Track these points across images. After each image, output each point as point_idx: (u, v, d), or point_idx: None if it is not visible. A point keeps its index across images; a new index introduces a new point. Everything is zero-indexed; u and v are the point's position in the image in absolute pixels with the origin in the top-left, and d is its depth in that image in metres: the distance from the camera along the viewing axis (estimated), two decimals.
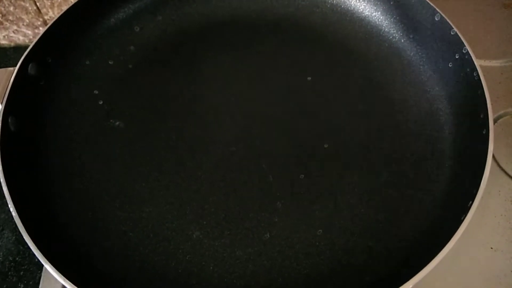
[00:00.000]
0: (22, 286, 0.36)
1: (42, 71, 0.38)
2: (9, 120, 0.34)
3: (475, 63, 0.35)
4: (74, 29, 0.41)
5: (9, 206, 0.29)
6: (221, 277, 0.32)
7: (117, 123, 0.39)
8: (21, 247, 0.38)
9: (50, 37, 0.38)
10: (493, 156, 0.40)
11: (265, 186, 0.36)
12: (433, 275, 0.27)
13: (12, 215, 0.29)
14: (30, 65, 0.36)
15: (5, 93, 0.34)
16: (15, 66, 0.35)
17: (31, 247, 0.28)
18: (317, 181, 0.36)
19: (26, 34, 0.52)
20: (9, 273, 0.37)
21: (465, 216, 0.28)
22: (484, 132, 0.32)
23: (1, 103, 0.34)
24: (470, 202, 0.29)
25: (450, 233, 0.28)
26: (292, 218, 0.35)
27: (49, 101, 0.39)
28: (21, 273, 0.37)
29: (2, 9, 0.49)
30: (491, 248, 0.36)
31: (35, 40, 0.37)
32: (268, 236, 0.34)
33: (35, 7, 0.49)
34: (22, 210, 0.29)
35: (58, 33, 0.39)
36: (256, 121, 0.40)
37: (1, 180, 0.30)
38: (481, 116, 0.33)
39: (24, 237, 0.28)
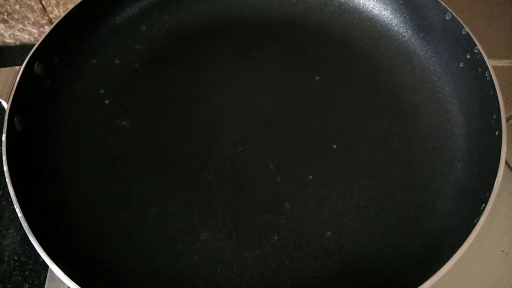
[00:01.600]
0: (27, 286, 0.36)
1: (48, 70, 0.37)
2: (15, 120, 0.33)
3: (487, 63, 0.35)
4: (80, 28, 0.40)
5: (15, 206, 0.29)
6: (228, 279, 0.32)
7: (123, 122, 0.39)
8: (26, 247, 0.38)
9: (56, 36, 0.38)
10: None
11: (273, 187, 0.36)
12: (443, 279, 0.26)
13: (17, 215, 0.29)
14: (36, 64, 0.36)
15: (11, 92, 0.34)
16: (21, 65, 0.35)
17: (37, 248, 0.28)
18: (325, 182, 0.36)
19: (32, 33, 0.52)
20: (14, 272, 0.37)
21: (478, 219, 0.28)
22: (496, 134, 0.32)
23: (7, 102, 0.33)
24: (483, 205, 0.28)
25: (463, 237, 0.27)
26: (300, 220, 0.34)
27: (55, 100, 0.39)
28: (26, 272, 0.37)
29: (8, 7, 0.49)
30: (502, 251, 0.36)
31: (41, 39, 0.36)
32: (276, 238, 0.34)
33: (40, 6, 0.49)
34: (28, 210, 0.29)
35: (64, 32, 0.38)
36: (263, 121, 0.40)
37: (7, 180, 0.30)
38: (494, 117, 0.33)
39: (30, 238, 0.28)
